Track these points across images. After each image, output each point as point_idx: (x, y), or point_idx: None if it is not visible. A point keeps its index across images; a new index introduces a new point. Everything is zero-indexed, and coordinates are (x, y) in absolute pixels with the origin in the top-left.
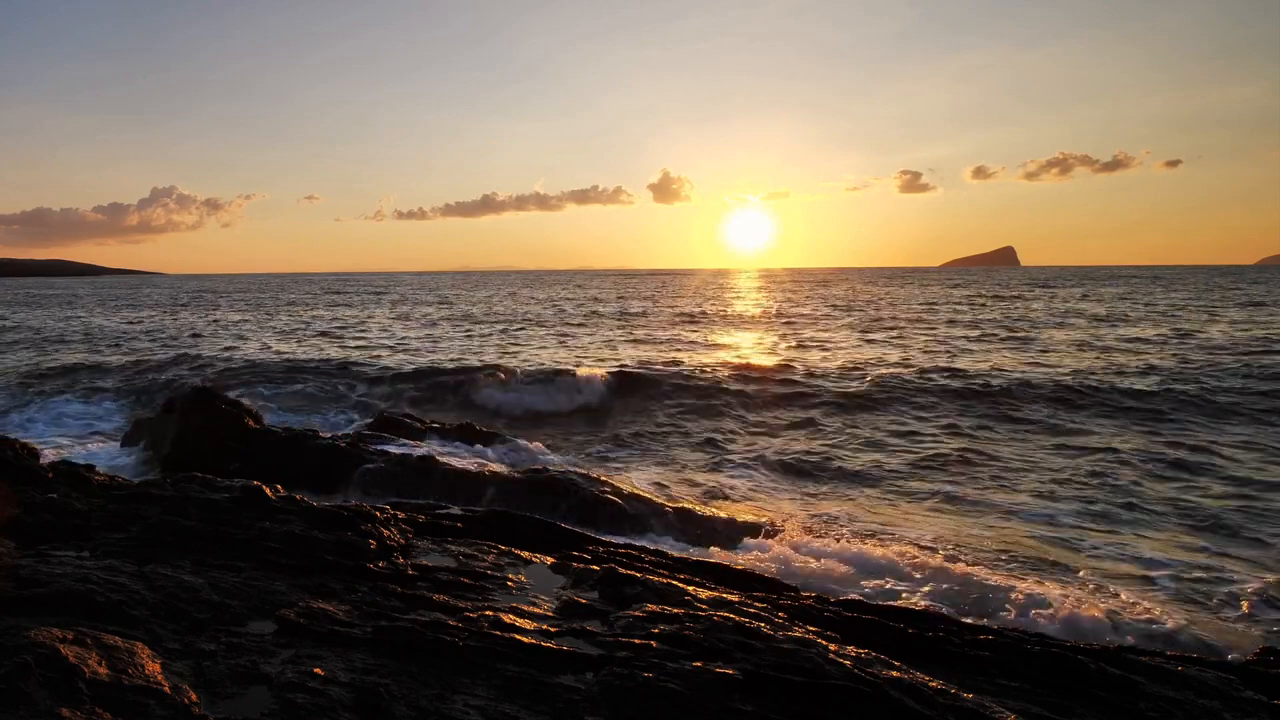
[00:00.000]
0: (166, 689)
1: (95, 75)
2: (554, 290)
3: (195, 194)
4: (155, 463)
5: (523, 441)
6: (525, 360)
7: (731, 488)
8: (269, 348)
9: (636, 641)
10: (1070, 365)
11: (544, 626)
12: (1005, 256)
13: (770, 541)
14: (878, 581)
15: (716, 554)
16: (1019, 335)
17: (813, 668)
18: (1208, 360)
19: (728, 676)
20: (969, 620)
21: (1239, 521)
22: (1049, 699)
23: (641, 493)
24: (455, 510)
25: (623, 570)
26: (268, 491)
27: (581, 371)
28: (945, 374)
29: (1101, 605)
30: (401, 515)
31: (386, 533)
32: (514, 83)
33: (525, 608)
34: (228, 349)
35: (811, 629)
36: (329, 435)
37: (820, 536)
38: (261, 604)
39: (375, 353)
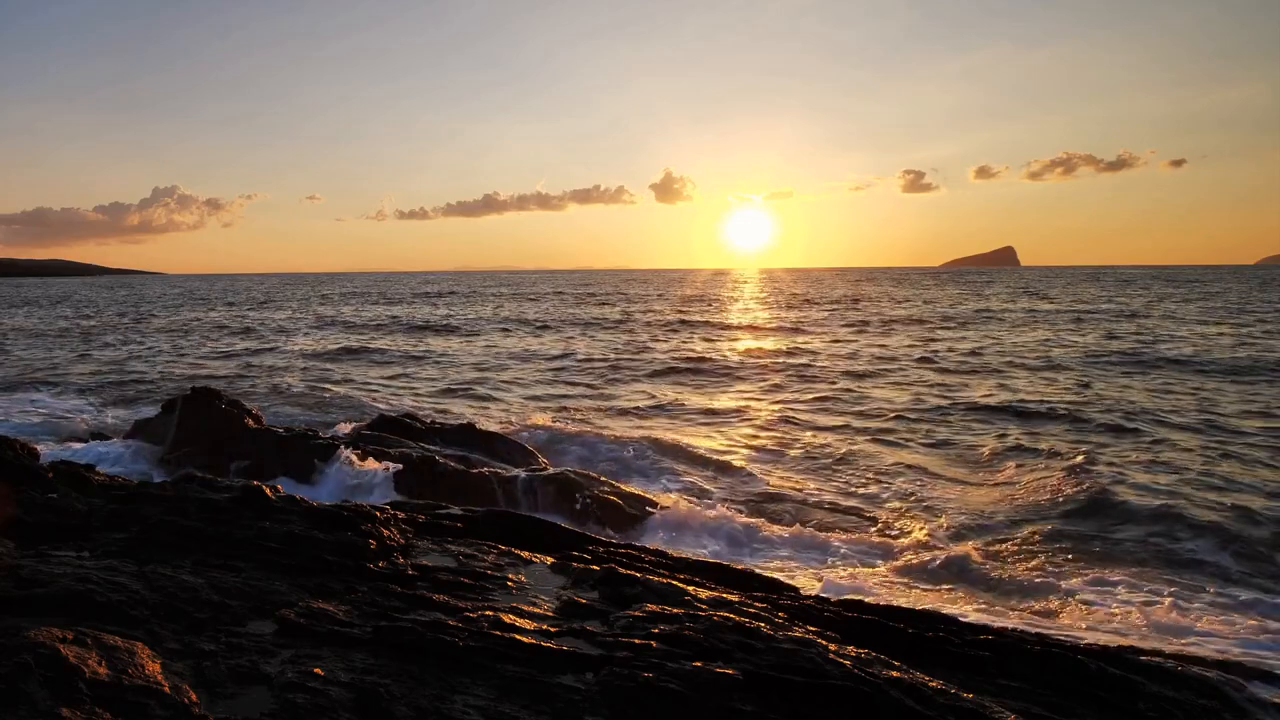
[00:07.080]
0: (166, 689)
1: (95, 75)
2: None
3: (196, 194)
4: (155, 462)
5: (523, 441)
6: None
7: None
8: None
9: (636, 641)
10: None
11: (544, 626)
12: (1005, 257)
13: None
14: None
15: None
16: None
17: (813, 668)
18: None
19: (728, 676)
20: (969, 620)
21: None
22: (1049, 699)
23: (642, 493)
24: (455, 510)
25: (623, 570)
26: (268, 491)
27: None
28: None
29: None
30: (401, 515)
31: (386, 533)
32: (515, 82)
33: (525, 608)
34: None
35: (811, 629)
36: (329, 435)
37: None
38: (261, 604)
39: None
